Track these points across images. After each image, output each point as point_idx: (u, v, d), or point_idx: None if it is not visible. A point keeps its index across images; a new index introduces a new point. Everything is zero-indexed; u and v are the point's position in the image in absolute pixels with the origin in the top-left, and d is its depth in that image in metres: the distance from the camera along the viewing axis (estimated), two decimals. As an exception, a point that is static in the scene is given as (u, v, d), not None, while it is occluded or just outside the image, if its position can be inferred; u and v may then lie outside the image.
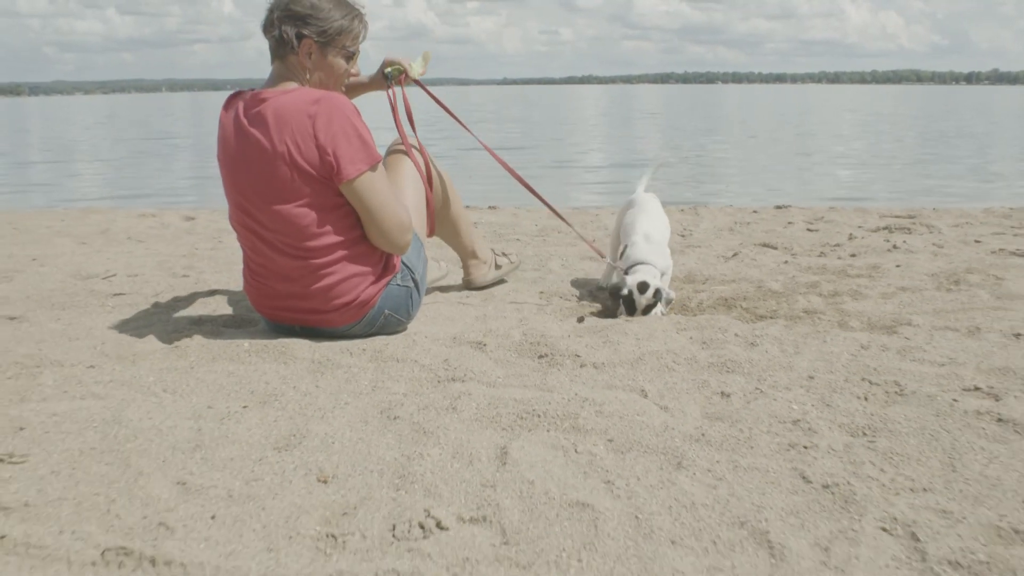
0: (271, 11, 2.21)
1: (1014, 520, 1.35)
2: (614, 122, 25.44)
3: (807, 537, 1.30)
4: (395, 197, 2.28)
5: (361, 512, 1.38)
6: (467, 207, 5.92)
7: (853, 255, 3.88)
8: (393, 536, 1.31)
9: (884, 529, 1.33)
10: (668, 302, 2.67)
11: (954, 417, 1.80)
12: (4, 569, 1.23)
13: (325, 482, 1.52)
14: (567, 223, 3.22)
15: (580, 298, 3.04)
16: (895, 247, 4.07)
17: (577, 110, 35.71)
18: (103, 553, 1.26)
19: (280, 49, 2.21)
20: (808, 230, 4.76)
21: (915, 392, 1.94)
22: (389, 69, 2.70)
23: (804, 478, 1.51)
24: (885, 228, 4.74)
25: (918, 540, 1.29)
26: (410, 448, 1.65)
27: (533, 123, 23.90)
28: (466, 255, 3.03)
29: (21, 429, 1.80)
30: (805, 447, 1.64)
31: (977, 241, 4.25)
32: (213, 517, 1.38)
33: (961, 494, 1.45)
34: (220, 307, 2.90)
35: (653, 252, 2.76)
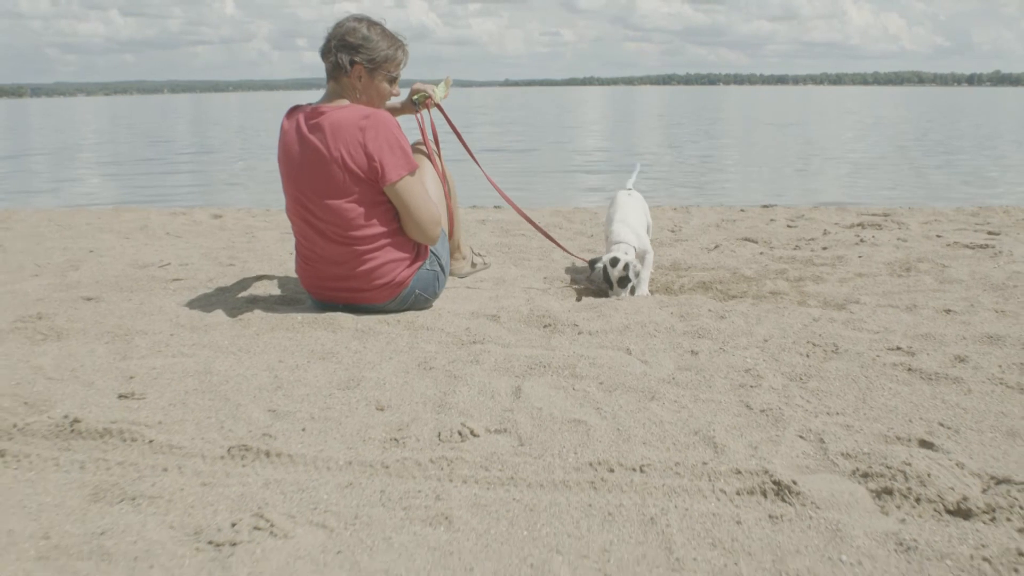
0: (329, 40, 2.69)
1: (898, 431, 1.83)
2: (616, 123, 25.89)
3: (743, 441, 1.78)
4: (428, 198, 2.77)
5: (413, 426, 1.86)
6: (474, 207, 6.40)
7: (825, 248, 4.35)
8: (439, 440, 1.79)
9: (801, 436, 1.81)
10: (636, 274, 3.12)
11: (874, 368, 2.27)
12: (161, 459, 1.71)
13: (382, 410, 1.99)
14: (556, 242, 3.69)
15: (578, 283, 3.51)
16: (863, 241, 4.54)
17: (580, 112, 36.14)
18: (228, 449, 1.74)
19: (335, 72, 2.70)
20: (788, 226, 5.22)
21: (848, 350, 2.42)
22: (416, 96, 3.18)
23: (747, 406, 1.99)
24: (859, 224, 5.20)
25: (824, 442, 1.77)
26: (445, 387, 2.13)
27: (535, 124, 24.36)
28: (453, 249, 3.47)
29: (131, 378, 2.28)
30: (751, 387, 2.12)
31: (938, 236, 4.72)
32: (303, 430, 1.86)
33: (863, 416, 1.92)
34: (269, 289, 3.38)
35: (628, 234, 3.23)
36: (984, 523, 1.42)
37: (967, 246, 4.29)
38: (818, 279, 3.49)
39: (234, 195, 8.91)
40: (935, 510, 1.47)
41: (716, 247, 4.33)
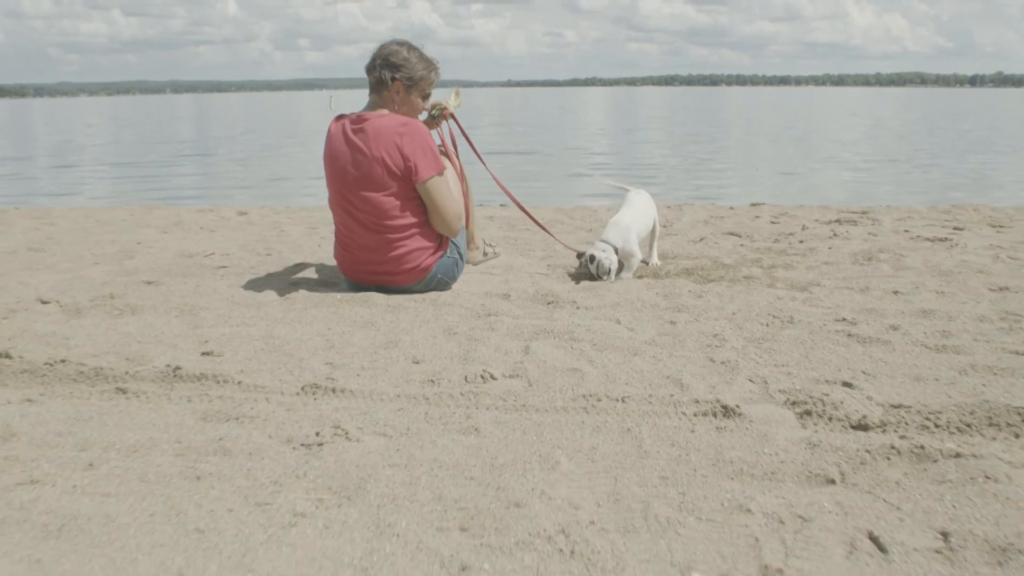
0: (374, 59, 3.21)
1: (827, 376, 2.33)
2: (620, 125, 26.39)
3: (703, 383, 2.28)
4: (452, 196, 3.28)
5: (444, 373, 2.37)
6: (481, 205, 6.90)
7: (801, 241, 4.84)
8: (466, 382, 2.29)
9: (750, 380, 2.31)
10: (607, 272, 3.59)
11: (821, 334, 2.77)
12: (250, 394, 2.21)
13: (418, 363, 2.50)
14: (551, 234, 4.19)
15: (577, 269, 4.01)
16: (836, 235, 5.03)
17: (583, 113, 36.61)
18: (302, 387, 2.25)
19: (378, 86, 3.21)
20: (771, 223, 5.71)
21: (801, 321, 2.92)
22: (434, 110, 3.68)
23: (711, 360, 2.49)
24: (836, 221, 5.69)
25: (767, 383, 2.27)
26: (467, 347, 2.63)
27: (539, 126, 24.87)
28: (469, 240, 3.97)
29: (206, 342, 2.78)
30: (716, 346, 2.62)
31: (906, 231, 5.21)
32: (357, 375, 2.37)
33: (803, 367, 2.43)
34: (307, 274, 3.89)
35: (613, 235, 3.70)
36: (876, 432, 1.92)
37: (928, 239, 4.78)
38: (788, 267, 3.99)
39: (252, 193, 9.42)
40: (842, 426, 1.97)
41: (701, 239, 4.83)
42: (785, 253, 4.36)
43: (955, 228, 5.35)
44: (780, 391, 2.21)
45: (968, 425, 1.95)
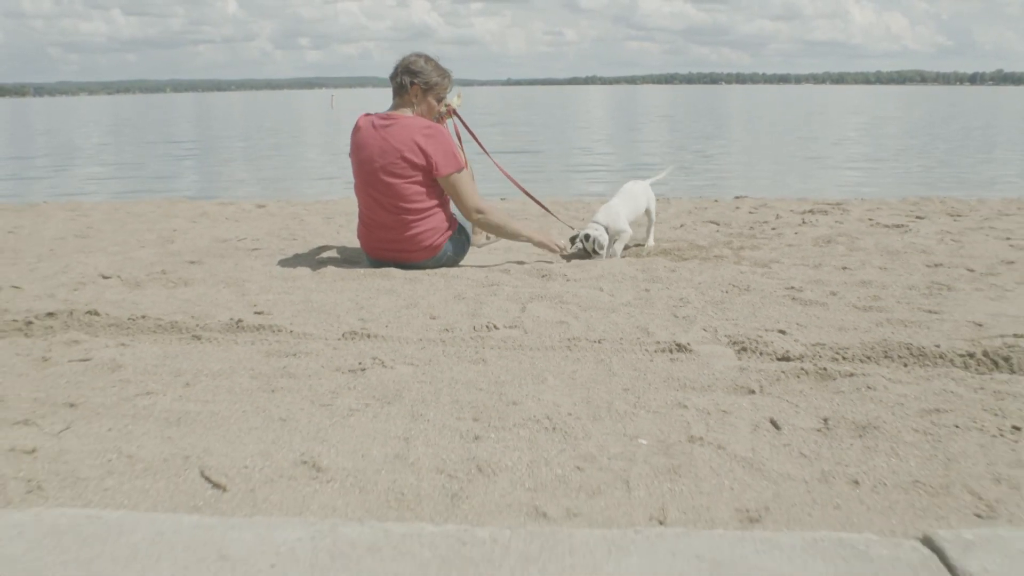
0: (397, 67, 3.82)
1: (767, 327, 2.89)
2: (620, 124, 26.93)
3: (665, 331, 2.84)
4: (471, 188, 3.84)
5: (456, 325, 2.93)
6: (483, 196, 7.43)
7: (773, 228, 5.39)
8: (474, 330, 2.85)
9: (704, 329, 2.87)
10: (601, 246, 4.16)
11: (771, 298, 3.33)
12: (300, 339, 2.77)
13: (435, 318, 3.06)
14: (546, 208, 4.74)
15: (569, 251, 4.57)
16: (805, 223, 5.59)
17: (583, 112, 37.14)
18: (343, 334, 2.81)
19: (400, 90, 3.81)
20: (749, 213, 6.26)
21: (756, 289, 3.48)
22: (441, 107, 4.24)
23: (674, 316, 3.05)
24: (809, 211, 6.23)
25: (716, 331, 2.83)
26: (474, 307, 3.19)
27: (540, 126, 25.41)
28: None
29: (255, 305, 3.34)
30: (680, 307, 3.19)
31: (870, 219, 5.76)
32: (386, 326, 2.93)
33: (749, 321, 2.99)
34: (331, 254, 4.45)
35: (603, 216, 4.26)
36: (795, 362, 2.48)
37: (886, 226, 5.34)
38: (755, 248, 4.55)
39: (274, 187, 9.97)
40: (769, 358, 2.53)
41: (682, 226, 5.39)
42: (754, 237, 4.93)
43: (918, 217, 5.90)
44: (726, 336, 2.77)
45: (868, 357, 2.52)
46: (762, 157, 14.36)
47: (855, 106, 45.33)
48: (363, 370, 2.43)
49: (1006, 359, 2.46)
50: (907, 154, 14.60)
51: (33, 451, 1.86)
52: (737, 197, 7.52)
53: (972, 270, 3.89)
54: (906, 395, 2.19)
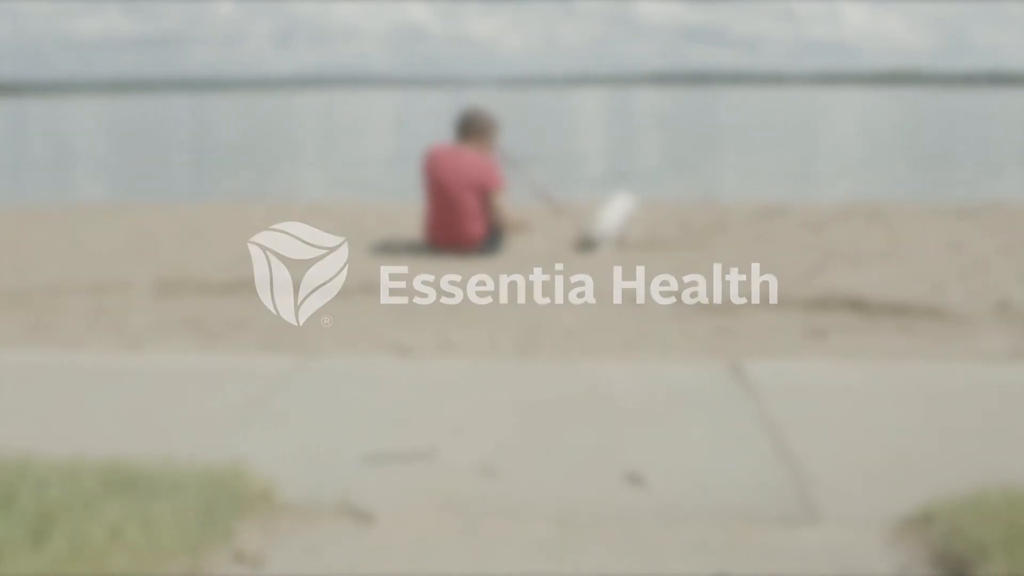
0: (462, 117, 5.62)
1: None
2: (617, 125, 27.79)
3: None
4: (511, 201, 5.54)
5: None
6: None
7: (726, 226, 7.02)
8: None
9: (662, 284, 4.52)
10: (601, 239, 5.83)
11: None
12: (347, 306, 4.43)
13: (485, 284, 4.70)
14: (550, 202, 6.42)
15: (573, 246, 6.22)
16: (760, 221, 7.20)
17: (582, 113, 37.97)
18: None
19: (463, 132, 5.54)
20: (713, 215, 7.87)
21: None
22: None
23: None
24: (766, 212, 7.81)
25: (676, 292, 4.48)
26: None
27: (541, 127, 26.38)
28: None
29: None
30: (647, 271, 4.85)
31: (815, 220, 7.35)
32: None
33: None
34: (396, 242, 6.11)
35: (605, 219, 5.92)
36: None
37: (823, 223, 6.97)
38: (706, 239, 6.21)
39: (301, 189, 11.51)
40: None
41: (654, 227, 7.05)
42: (707, 233, 6.59)
43: (841, 214, 7.54)
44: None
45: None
46: (765, 160, 15.55)
47: (857, 108, 45.75)
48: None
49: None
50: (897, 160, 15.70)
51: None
52: (709, 200, 9.16)
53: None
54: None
